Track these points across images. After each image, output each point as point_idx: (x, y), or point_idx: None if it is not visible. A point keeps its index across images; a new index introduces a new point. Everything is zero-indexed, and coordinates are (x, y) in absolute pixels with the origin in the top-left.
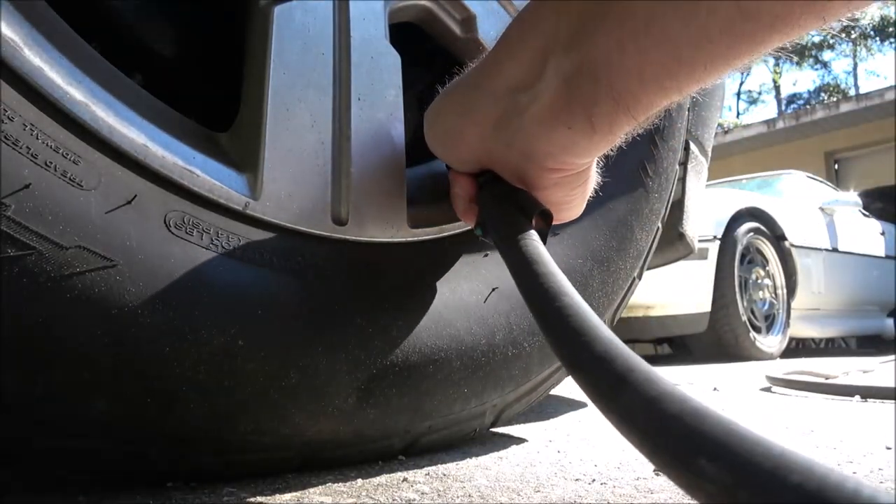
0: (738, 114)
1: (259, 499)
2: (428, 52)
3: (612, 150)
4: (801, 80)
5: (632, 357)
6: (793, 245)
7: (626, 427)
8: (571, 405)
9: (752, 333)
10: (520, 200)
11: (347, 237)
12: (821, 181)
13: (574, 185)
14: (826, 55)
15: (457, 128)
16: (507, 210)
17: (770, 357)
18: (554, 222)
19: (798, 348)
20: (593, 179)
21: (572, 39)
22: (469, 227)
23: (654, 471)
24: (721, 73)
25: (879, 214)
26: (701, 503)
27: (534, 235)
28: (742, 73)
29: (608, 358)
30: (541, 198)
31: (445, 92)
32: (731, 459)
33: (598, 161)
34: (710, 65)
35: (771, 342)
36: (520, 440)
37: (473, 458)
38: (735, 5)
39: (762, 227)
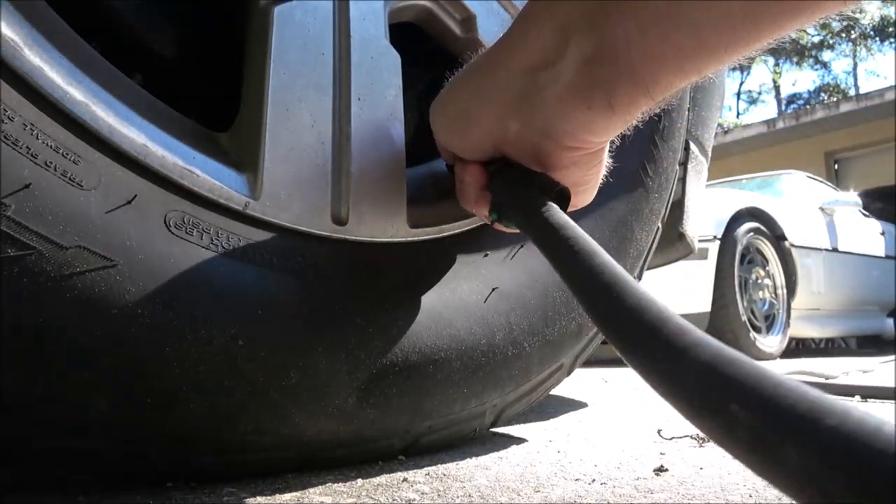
0: (738, 114)
1: (259, 499)
2: (428, 52)
3: (627, 130)
4: (801, 80)
5: (665, 310)
6: (793, 245)
7: (657, 378)
8: (571, 405)
9: (752, 333)
10: (537, 181)
11: (347, 237)
12: (821, 181)
13: (591, 165)
14: (826, 55)
15: (470, 112)
16: (526, 189)
17: (770, 357)
18: (569, 208)
19: (798, 348)
20: (605, 162)
21: (594, 20)
22: (468, 228)
23: (655, 470)
24: (742, 55)
25: (879, 214)
26: (734, 453)
27: (555, 207)
28: (742, 73)
29: (640, 309)
30: (558, 179)
31: (454, 80)
32: (764, 403)
33: (610, 143)
34: (732, 47)
35: (771, 342)
36: (520, 440)
37: (473, 458)
38: None
39: (762, 227)
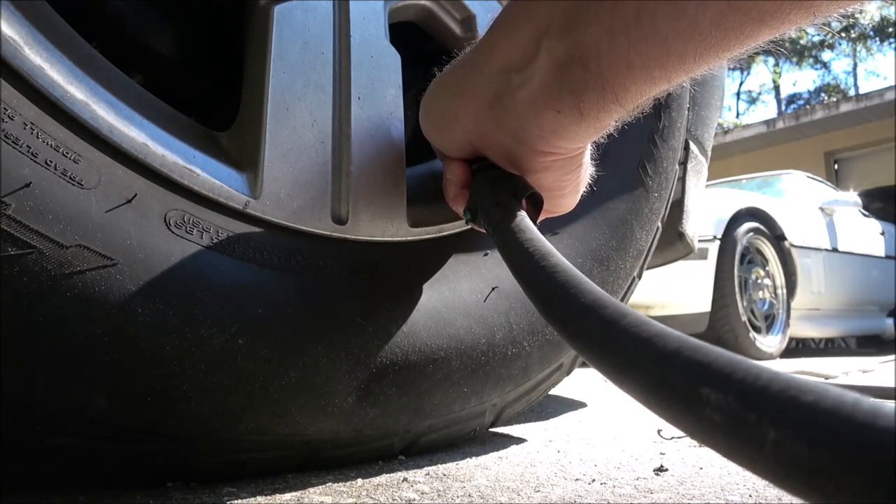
0: (738, 114)
1: (259, 499)
2: (428, 52)
3: (603, 139)
4: (801, 80)
5: (622, 306)
6: (793, 245)
7: (622, 372)
8: (571, 405)
9: (752, 333)
10: (511, 184)
11: (347, 236)
12: (821, 181)
13: (566, 171)
14: (826, 55)
15: (451, 108)
16: (498, 192)
17: (770, 357)
18: (548, 214)
19: (798, 348)
20: (587, 170)
21: (566, 25)
22: (468, 227)
23: (655, 470)
24: (711, 64)
25: (879, 214)
26: (706, 438)
27: (523, 214)
28: (742, 73)
29: (598, 306)
30: (532, 182)
31: (438, 77)
32: (737, 385)
33: (592, 155)
34: (700, 57)
35: (771, 342)
36: (520, 440)
37: (473, 458)
38: (725, 2)
39: (762, 227)
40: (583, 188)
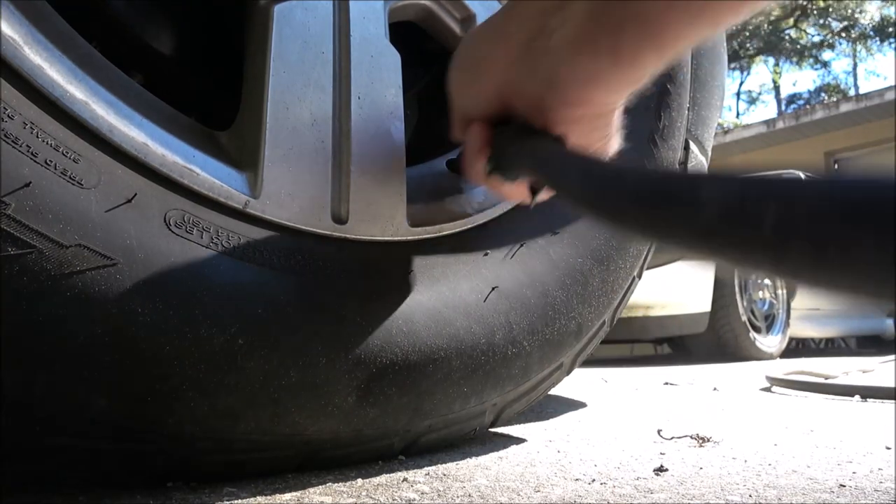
0: (738, 114)
1: (259, 499)
2: (428, 52)
3: (632, 96)
4: (801, 80)
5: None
6: None
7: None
8: (571, 405)
9: (752, 333)
10: (538, 133)
11: (347, 236)
12: None
13: (594, 128)
14: (826, 55)
15: (485, 53)
16: (523, 136)
17: (770, 357)
18: None
19: (798, 348)
20: (615, 138)
21: None
22: (469, 227)
23: (655, 470)
24: (755, 8)
25: None
26: (705, 244)
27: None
28: (742, 73)
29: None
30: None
31: (477, 27)
32: (737, 181)
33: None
34: None
35: (771, 342)
36: (520, 440)
37: (473, 458)
38: None
39: None
40: (608, 157)
